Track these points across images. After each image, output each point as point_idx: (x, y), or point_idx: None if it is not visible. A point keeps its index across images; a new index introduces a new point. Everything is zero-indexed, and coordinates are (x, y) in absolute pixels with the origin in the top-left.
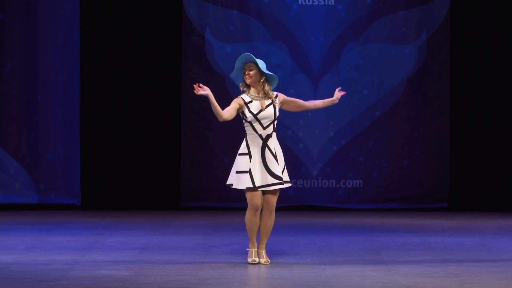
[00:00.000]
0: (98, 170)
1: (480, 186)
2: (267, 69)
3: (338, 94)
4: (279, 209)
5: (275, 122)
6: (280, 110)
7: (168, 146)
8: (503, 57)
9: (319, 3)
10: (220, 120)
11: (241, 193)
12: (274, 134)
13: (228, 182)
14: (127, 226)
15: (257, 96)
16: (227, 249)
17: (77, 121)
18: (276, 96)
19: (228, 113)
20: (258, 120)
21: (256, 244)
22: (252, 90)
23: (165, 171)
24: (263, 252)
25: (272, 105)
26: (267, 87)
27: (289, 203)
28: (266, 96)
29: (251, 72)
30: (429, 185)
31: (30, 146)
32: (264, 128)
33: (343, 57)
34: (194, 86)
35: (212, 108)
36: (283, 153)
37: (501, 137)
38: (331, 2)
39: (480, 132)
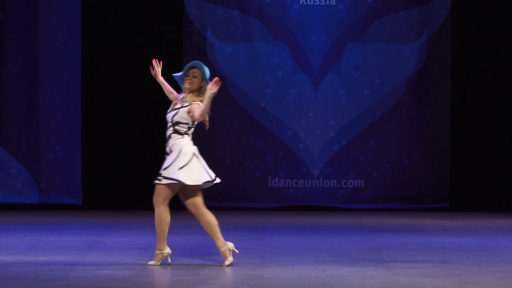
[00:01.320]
0: (99, 170)
1: (480, 186)
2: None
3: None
4: (279, 209)
5: (176, 127)
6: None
7: None
8: (504, 57)
9: (320, 3)
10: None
11: (242, 193)
12: (175, 136)
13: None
14: (128, 226)
15: (184, 99)
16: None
17: (78, 121)
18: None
19: (170, 91)
20: (166, 119)
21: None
22: (187, 93)
23: None
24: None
25: (178, 110)
26: (199, 96)
27: (289, 203)
28: (188, 102)
29: (194, 79)
30: (429, 185)
31: (31, 146)
32: (167, 128)
33: (343, 57)
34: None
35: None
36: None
37: (502, 137)
38: (332, 2)
39: (481, 132)
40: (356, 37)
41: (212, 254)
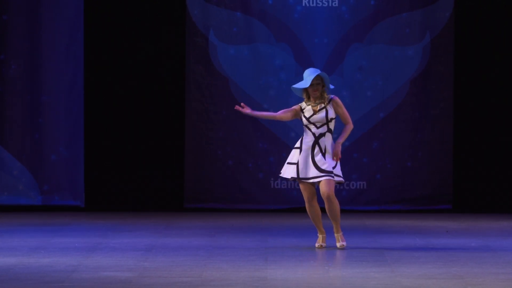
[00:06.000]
0: (102, 171)
1: (484, 187)
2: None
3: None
4: (282, 210)
5: (329, 125)
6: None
7: (171, 147)
8: (507, 58)
9: (323, 5)
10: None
11: (245, 195)
12: (329, 135)
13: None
14: (131, 227)
15: (311, 103)
16: (231, 250)
17: (80, 123)
18: (330, 101)
19: (283, 113)
20: (311, 121)
21: (321, 231)
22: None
23: (168, 172)
24: (338, 236)
25: (323, 110)
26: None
27: (293, 204)
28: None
29: (319, 86)
30: (432, 186)
31: (34, 148)
32: (317, 128)
33: (346, 58)
34: (239, 107)
35: (264, 118)
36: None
37: (505, 139)
38: (335, 4)
39: (484, 134)
40: (359, 39)
41: (215, 255)
